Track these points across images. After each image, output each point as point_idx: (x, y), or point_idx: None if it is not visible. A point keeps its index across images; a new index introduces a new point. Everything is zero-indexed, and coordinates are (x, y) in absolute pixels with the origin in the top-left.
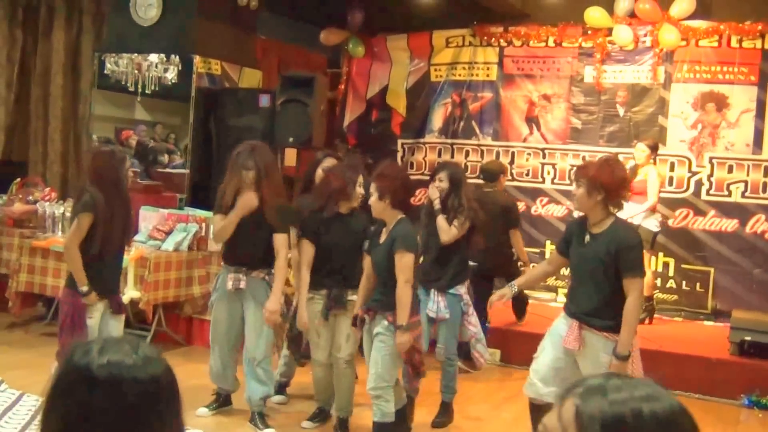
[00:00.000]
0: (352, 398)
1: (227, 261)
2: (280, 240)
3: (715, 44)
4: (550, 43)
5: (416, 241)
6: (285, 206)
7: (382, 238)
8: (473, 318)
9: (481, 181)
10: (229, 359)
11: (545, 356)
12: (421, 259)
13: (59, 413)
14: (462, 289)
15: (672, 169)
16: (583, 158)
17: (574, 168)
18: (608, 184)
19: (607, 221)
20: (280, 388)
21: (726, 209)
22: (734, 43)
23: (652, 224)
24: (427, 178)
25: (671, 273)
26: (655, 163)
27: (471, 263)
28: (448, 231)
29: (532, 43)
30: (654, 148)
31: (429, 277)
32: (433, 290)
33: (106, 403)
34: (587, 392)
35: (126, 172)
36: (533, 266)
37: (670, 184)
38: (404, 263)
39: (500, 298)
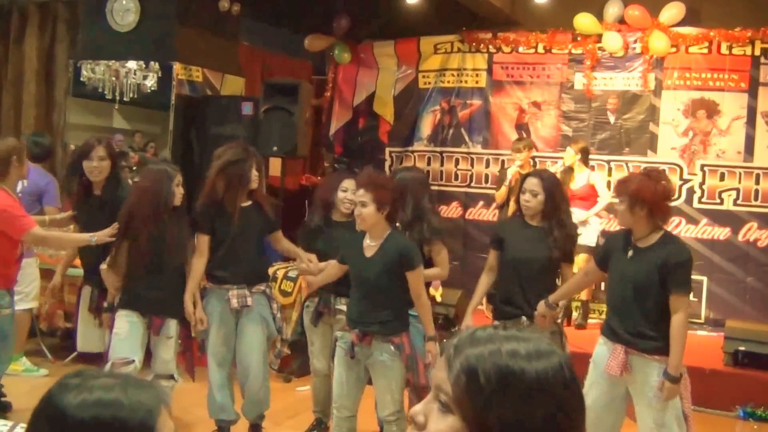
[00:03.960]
0: None
1: (223, 280)
2: (280, 234)
3: (705, 51)
4: (540, 49)
5: (419, 250)
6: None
7: (370, 252)
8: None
9: None
10: (230, 387)
11: (594, 392)
12: None
13: None
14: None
15: None
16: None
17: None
18: (651, 198)
19: (654, 235)
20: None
21: (718, 217)
22: (724, 50)
23: (596, 229)
24: None
25: None
26: (586, 164)
27: None
28: (439, 275)
29: (521, 49)
30: (583, 151)
31: None
32: None
33: None
34: (459, 343)
35: (170, 191)
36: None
37: None
38: (420, 278)
39: (545, 321)
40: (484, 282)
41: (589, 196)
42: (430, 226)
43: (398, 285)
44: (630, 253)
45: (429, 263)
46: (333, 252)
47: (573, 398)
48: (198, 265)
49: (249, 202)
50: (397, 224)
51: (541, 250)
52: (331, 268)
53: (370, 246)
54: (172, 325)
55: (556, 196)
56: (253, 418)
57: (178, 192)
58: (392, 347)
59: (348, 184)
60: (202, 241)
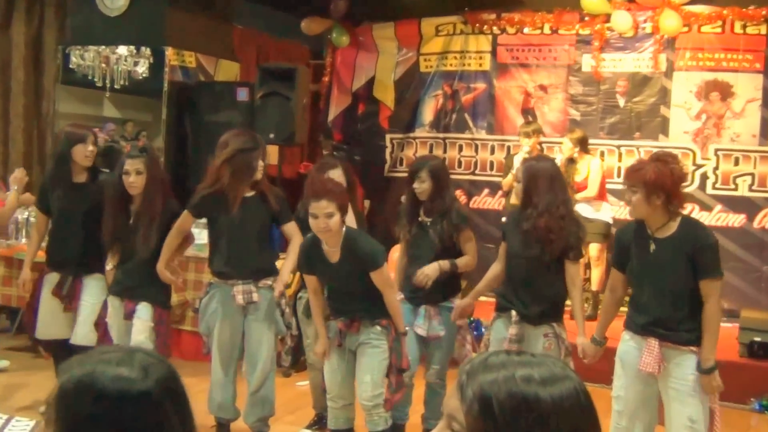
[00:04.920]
0: None
1: (228, 274)
2: (292, 228)
3: (719, 30)
4: (546, 30)
5: (380, 245)
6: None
7: (333, 257)
8: (470, 335)
9: None
10: (233, 385)
11: (628, 393)
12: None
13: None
14: (456, 301)
15: None
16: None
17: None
18: (669, 186)
19: (673, 223)
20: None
21: (733, 204)
22: (738, 29)
23: (607, 216)
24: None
25: None
26: (587, 153)
27: None
28: (469, 263)
29: (526, 30)
30: (581, 141)
31: (419, 292)
32: (424, 306)
33: (94, 417)
34: (472, 370)
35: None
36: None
37: None
38: (385, 276)
39: (592, 358)
40: (491, 271)
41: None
42: (459, 213)
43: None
44: (652, 246)
45: (458, 252)
46: None
47: (589, 423)
48: (173, 238)
49: (252, 193)
50: (421, 217)
51: (530, 248)
52: (312, 284)
53: (331, 251)
54: (142, 308)
55: (531, 185)
56: (254, 423)
57: (139, 180)
58: (380, 328)
59: (334, 174)
60: (186, 219)
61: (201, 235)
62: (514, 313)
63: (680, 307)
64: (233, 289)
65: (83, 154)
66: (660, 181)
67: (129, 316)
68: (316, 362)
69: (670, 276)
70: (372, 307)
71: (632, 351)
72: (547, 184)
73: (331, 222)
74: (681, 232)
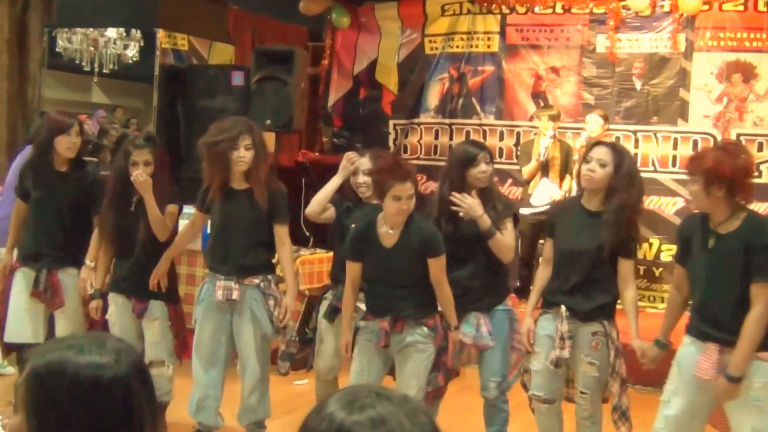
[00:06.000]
0: None
1: (213, 268)
2: (283, 232)
3: (741, 8)
4: (558, 9)
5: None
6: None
7: (389, 240)
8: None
9: None
10: (214, 387)
11: (678, 401)
12: None
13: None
14: (509, 302)
15: (695, 147)
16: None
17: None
18: (730, 175)
19: (737, 218)
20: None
21: (757, 192)
22: (762, 7)
23: None
24: (424, 163)
25: None
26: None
27: None
28: (510, 246)
29: (537, 9)
30: (606, 120)
31: (468, 298)
32: (473, 312)
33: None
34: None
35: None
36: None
37: None
38: (443, 264)
39: (652, 362)
40: (540, 280)
41: None
42: (503, 200)
43: (427, 270)
44: (711, 241)
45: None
46: None
47: None
48: (186, 236)
49: (245, 186)
50: (486, 226)
51: (593, 241)
52: (354, 274)
53: (389, 234)
54: (155, 307)
55: (624, 174)
56: (248, 425)
57: (148, 171)
58: (426, 329)
59: (362, 162)
60: (197, 217)
61: None
62: (563, 308)
63: (741, 309)
64: (216, 283)
65: (65, 145)
66: (720, 170)
67: (141, 314)
68: (322, 373)
69: (729, 275)
70: (417, 305)
71: (690, 356)
72: (632, 176)
73: (411, 203)
74: (744, 227)
